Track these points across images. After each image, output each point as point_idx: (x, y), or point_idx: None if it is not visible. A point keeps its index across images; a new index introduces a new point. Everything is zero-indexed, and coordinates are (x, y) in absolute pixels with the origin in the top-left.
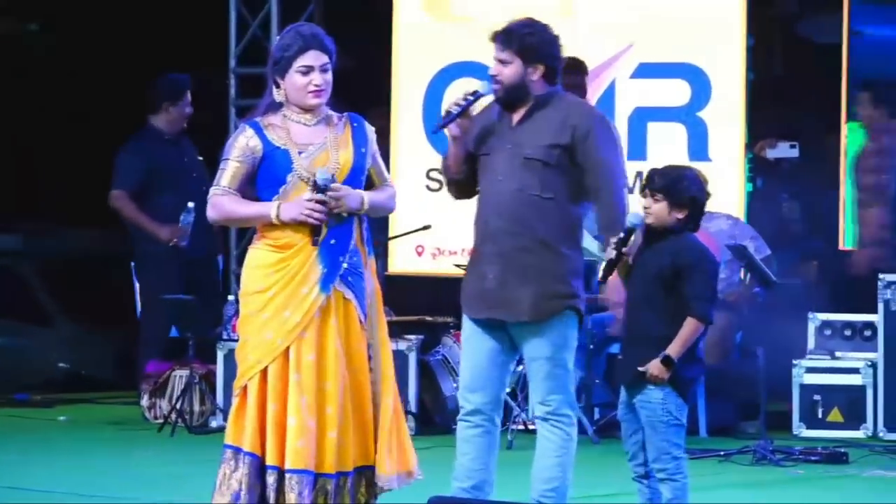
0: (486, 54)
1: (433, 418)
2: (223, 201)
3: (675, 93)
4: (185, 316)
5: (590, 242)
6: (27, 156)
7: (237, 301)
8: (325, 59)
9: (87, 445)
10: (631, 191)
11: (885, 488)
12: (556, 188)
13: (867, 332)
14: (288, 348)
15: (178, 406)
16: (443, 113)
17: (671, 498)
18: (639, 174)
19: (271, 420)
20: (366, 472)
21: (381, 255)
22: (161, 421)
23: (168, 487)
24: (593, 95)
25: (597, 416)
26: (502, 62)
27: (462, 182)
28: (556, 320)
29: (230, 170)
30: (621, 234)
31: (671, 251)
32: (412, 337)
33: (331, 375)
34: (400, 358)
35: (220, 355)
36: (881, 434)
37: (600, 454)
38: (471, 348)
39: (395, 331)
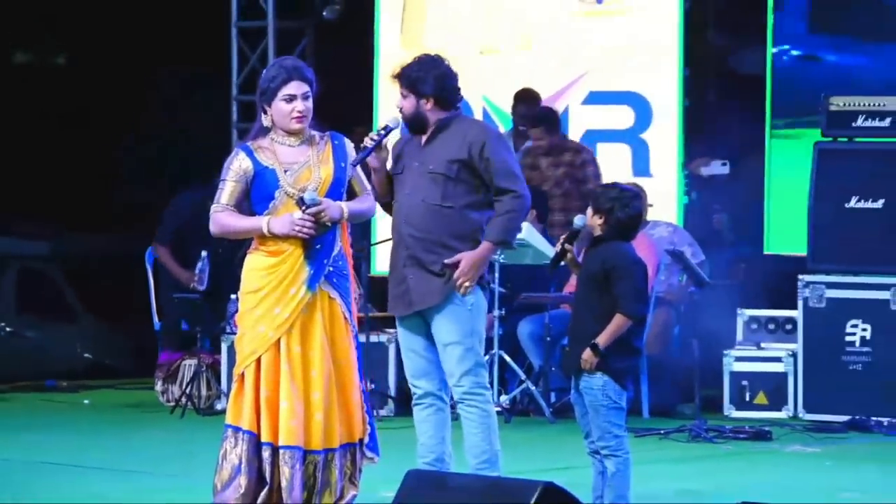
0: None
1: (411, 402)
2: (222, 217)
3: (621, 117)
4: (194, 312)
5: (549, 250)
6: (56, 168)
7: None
8: (305, 87)
9: (108, 425)
10: None
11: (804, 461)
12: (455, 199)
13: (788, 326)
14: (279, 340)
15: (187, 391)
16: (361, 146)
17: (615, 472)
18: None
19: (264, 403)
20: (350, 449)
21: (366, 258)
22: (173, 404)
23: (179, 462)
24: None
25: (553, 399)
26: (403, 97)
27: (390, 202)
28: (464, 308)
29: (227, 189)
30: (567, 232)
31: (601, 257)
32: (391, 330)
33: (316, 365)
34: (381, 349)
35: (224, 347)
36: (801, 415)
37: (557, 433)
38: (406, 343)
39: (378, 325)
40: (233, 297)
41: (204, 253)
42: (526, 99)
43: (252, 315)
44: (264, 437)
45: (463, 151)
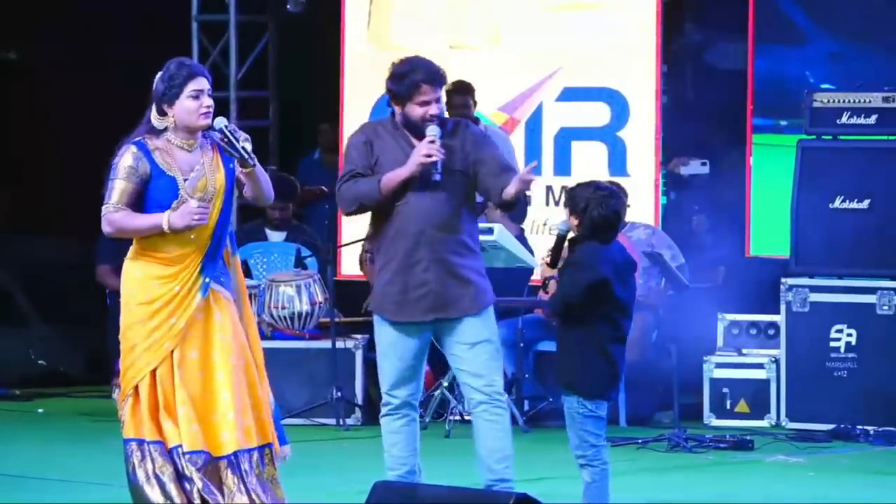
0: None
1: (378, 410)
2: (116, 217)
3: (597, 114)
4: None
5: (523, 252)
6: (6, 170)
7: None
8: (208, 85)
9: (63, 435)
10: (557, 203)
11: (786, 472)
12: (466, 196)
13: (771, 331)
14: (172, 350)
15: None
16: (429, 162)
17: (590, 482)
18: (563, 188)
19: (164, 411)
20: (265, 450)
21: (331, 262)
22: None
23: None
24: (522, 117)
25: (526, 407)
26: (438, 100)
27: (387, 202)
28: (489, 310)
29: (118, 189)
30: (555, 240)
31: (568, 260)
32: (358, 336)
33: (221, 366)
34: (347, 355)
35: None
36: (783, 423)
37: (530, 442)
38: (397, 349)
39: (343, 330)
40: None
41: None
42: (461, 90)
43: (146, 327)
44: (173, 442)
45: (477, 149)
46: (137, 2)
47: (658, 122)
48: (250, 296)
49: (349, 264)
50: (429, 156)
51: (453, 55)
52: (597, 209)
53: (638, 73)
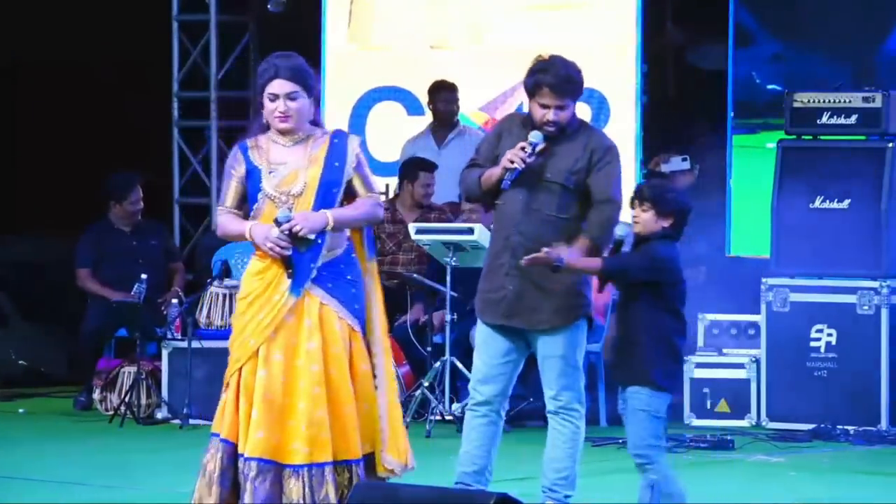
0: (403, 79)
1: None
2: (222, 220)
3: (578, 114)
4: (133, 317)
5: None
6: None
7: (180, 304)
8: (290, 87)
9: (45, 435)
10: None
11: (767, 471)
12: (572, 210)
13: (751, 331)
14: (259, 349)
15: (126, 399)
16: (509, 166)
17: (646, 484)
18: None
19: (243, 414)
20: (348, 466)
21: None
22: (111, 413)
23: (117, 472)
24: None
25: (507, 407)
26: (561, 108)
27: (488, 198)
28: (573, 325)
29: (229, 190)
30: (611, 245)
31: (650, 255)
32: None
33: (302, 374)
34: None
35: (164, 353)
36: (764, 423)
37: (511, 442)
38: (486, 346)
39: None
40: (174, 301)
41: (144, 276)
42: (448, 89)
43: (241, 320)
44: (240, 448)
45: (584, 159)
46: (117, 1)
47: (638, 122)
48: (230, 297)
49: None
50: (511, 161)
51: (434, 55)
52: (687, 204)
53: (619, 73)
